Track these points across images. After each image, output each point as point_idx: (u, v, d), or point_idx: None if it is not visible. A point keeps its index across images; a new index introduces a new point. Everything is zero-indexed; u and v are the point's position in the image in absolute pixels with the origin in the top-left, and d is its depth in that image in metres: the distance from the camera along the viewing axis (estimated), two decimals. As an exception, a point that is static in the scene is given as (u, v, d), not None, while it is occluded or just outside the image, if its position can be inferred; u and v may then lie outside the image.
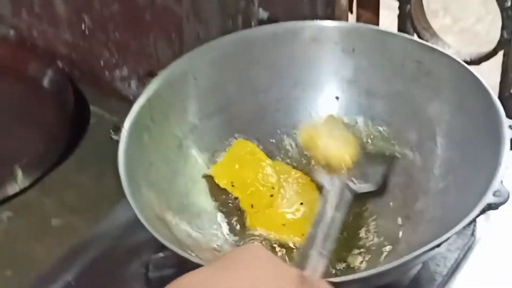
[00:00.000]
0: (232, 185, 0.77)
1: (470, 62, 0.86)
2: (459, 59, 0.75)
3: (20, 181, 1.05)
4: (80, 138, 1.10)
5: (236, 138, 0.80)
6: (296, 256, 0.64)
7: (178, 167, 0.76)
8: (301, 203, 0.75)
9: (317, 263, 0.59)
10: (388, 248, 0.72)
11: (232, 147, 0.79)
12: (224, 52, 0.80)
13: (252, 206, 0.75)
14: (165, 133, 0.76)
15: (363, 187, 0.72)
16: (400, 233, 0.73)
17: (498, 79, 0.86)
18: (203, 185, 0.77)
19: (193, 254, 0.66)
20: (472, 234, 0.75)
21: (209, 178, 0.78)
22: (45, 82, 1.14)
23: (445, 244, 0.72)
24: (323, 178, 0.71)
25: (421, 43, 0.78)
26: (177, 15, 0.97)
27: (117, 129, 0.72)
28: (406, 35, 0.79)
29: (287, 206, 0.75)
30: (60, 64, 1.15)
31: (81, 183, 1.04)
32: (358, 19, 0.98)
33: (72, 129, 1.09)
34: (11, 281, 0.93)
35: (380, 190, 0.75)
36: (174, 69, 0.77)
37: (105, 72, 1.11)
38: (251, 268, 0.49)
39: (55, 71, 1.14)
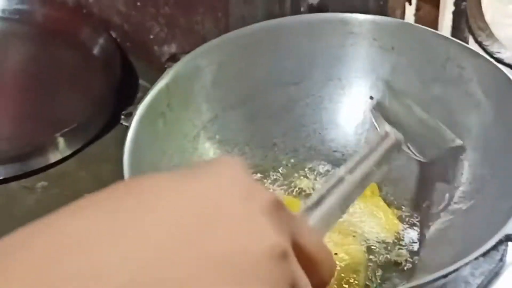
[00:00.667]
0: None
1: (526, 69, 0.80)
2: (503, 68, 0.69)
3: (62, 149, 1.04)
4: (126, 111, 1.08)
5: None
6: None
7: (194, 158, 0.73)
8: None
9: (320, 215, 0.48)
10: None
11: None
12: (254, 39, 0.76)
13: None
14: (183, 121, 0.73)
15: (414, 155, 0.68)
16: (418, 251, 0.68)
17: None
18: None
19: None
20: (501, 260, 0.70)
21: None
22: (96, 50, 1.13)
23: (467, 268, 0.68)
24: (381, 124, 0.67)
25: (465, 47, 0.72)
26: (225, -6, 0.94)
27: (129, 114, 0.69)
28: (449, 37, 0.74)
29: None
30: (113, 34, 1.13)
31: (119, 158, 1.03)
32: (417, 11, 0.92)
33: (118, 101, 1.08)
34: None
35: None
36: (198, 55, 0.74)
37: (154, 46, 1.09)
38: (221, 184, 0.37)
39: (106, 40, 1.12)
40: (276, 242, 0.35)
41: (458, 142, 0.71)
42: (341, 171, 0.55)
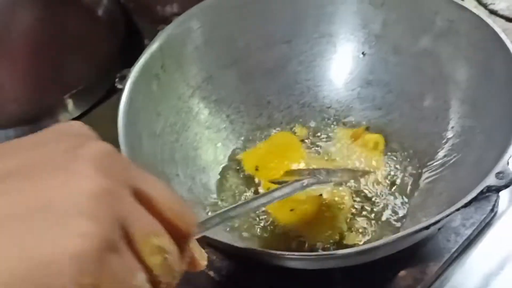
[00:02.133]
0: (256, 169, 0.74)
1: (520, 20, 0.80)
2: (491, 23, 0.69)
3: (71, 111, 1.06)
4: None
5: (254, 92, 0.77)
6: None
7: (189, 117, 0.74)
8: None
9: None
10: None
11: (271, 138, 0.77)
12: (245, 0, 0.76)
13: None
14: (177, 82, 0.74)
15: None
16: (408, 205, 0.69)
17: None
18: (213, 136, 0.75)
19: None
20: (492, 210, 0.71)
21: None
22: (100, 12, 1.14)
23: (458, 219, 0.69)
24: None
25: (454, 1, 0.72)
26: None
27: (123, 77, 0.71)
28: (438, -9, 0.73)
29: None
30: (117, -5, 1.14)
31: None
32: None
33: (124, 61, 1.09)
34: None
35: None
36: (190, 16, 0.75)
37: (157, 6, 1.09)
38: (46, 140, 0.37)
39: (110, 1, 1.13)
40: (98, 182, 0.34)
41: None
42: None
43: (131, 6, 1.13)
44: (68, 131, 0.38)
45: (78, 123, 0.40)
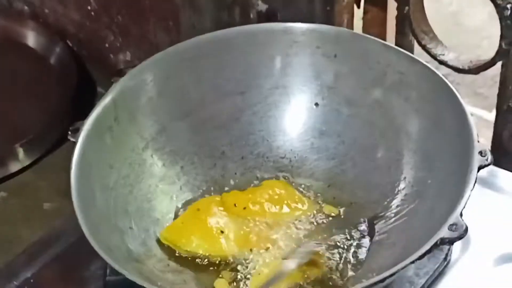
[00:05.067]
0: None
1: (468, 71, 0.81)
2: (441, 75, 0.70)
3: (21, 159, 1.05)
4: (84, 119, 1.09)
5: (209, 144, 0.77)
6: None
7: (143, 169, 0.73)
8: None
9: None
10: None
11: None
12: (199, 52, 0.76)
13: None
14: (130, 134, 0.73)
15: None
16: (363, 255, 0.69)
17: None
18: (167, 188, 0.75)
19: (137, 275, 0.62)
20: (445, 258, 0.71)
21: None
22: (52, 60, 1.14)
23: (411, 268, 0.69)
24: None
25: (405, 54, 0.73)
26: (174, 3, 0.95)
27: (76, 130, 0.70)
28: (390, 44, 0.75)
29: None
30: (69, 43, 1.14)
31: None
32: (365, 14, 0.94)
33: (77, 109, 1.08)
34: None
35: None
36: (144, 68, 0.74)
37: (110, 54, 1.10)
38: None
39: (62, 49, 1.13)
40: None
41: None
42: None
43: (84, 54, 1.14)
44: None
45: None
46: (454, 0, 1.59)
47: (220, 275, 0.69)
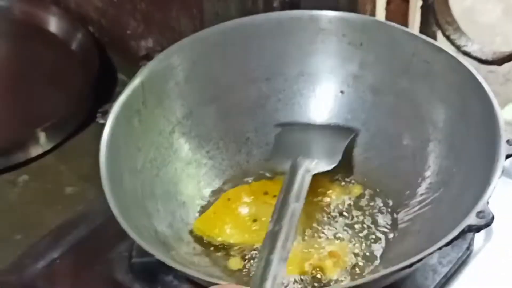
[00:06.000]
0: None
1: (492, 62, 0.82)
2: (470, 61, 0.70)
3: (42, 144, 1.05)
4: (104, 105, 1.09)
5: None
6: (256, 263, 0.61)
7: (169, 153, 0.74)
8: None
9: (278, 270, 0.57)
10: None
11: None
12: (226, 37, 0.77)
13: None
14: (158, 118, 0.74)
15: (322, 167, 0.70)
16: (385, 242, 0.70)
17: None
18: (193, 172, 0.75)
19: (166, 256, 0.63)
20: (468, 248, 0.72)
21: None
22: (74, 46, 1.13)
23: (435, 257, 0.70)
24: (283, 162, 0.69)
25: (431, 43, 0.73)
26: (199, -10, 0.95)
27: (105, 112, 0.71)
28: (416, 33, 0.75)
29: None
30: (91, 29, 1.14)
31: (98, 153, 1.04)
32: (388, 5, 0.94)
33: (97, 95, 1.09)
34: (20, 244, 0.94)
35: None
36: (171, 53, 0.75)
37: (132, 41, 1.10)
38: None
39: (84, 35, 1.12)
40: None
41: (353, 130, 0.76)
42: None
43: (105, 40, 1.14)
44: None
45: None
46: (469, -4, 1.59)
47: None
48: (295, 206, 0.64)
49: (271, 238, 0.60)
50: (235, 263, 0.70)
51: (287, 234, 0.60)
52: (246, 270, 0.69)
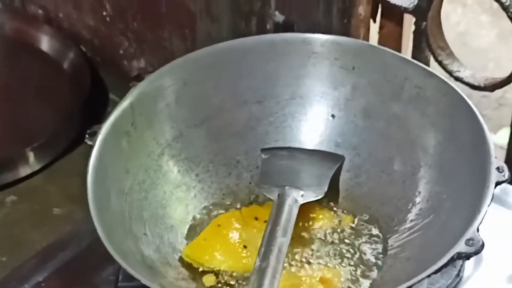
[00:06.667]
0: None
1: (484, 88, 0.82)
2: (458, 89, 0.71)
3: (31, 164, 1.05)
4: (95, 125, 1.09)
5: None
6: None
7: (158, 175, 0.74)
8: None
9: None
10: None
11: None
12: (218, 59, 0.77)
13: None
14: (147, 140, 0.74)
15: (309, 196, 0.71)
16: (376, 268, 0.70)
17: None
18: (182, 195, 0.75)
19: (152, 281, 0.62)
20: (458, 275, 0.71)
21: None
22: (66, 65, 1.14)
23: (424, 284, 0.70)
24: (271, 191, 0.70)
25: (423, 68, 0.74)
26: (191, 11, 0.95)
27: (94, 133, 0.71)
28: (408, 58, 0.75)
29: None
30: (83, 48, 1.14)
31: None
32: (381, 29, 0.94)
33: (88, 115, 1.08)
34: (6, 266, 0.94)
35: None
36: (162, 74, 0.75)
37: (124, 61, 1.10)
38: None
39: (76, 54, 1.13)
40: None
41: (340, 157, 0.76)
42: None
43: (97, 60, 1.14)
44: None
45: None
46: (462, 21, 1.60)
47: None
48: (282, 240, 0.64)
49: (259, 275, 0.60)
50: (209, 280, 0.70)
51: (274, 271, 0.61)
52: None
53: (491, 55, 1.48)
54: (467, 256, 0.60)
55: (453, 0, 1.58)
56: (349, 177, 0.76)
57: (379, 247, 0.71)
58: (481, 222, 0.61)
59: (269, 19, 0.92)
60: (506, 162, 0.82)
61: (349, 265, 0.71)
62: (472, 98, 0.71)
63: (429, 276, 0.59)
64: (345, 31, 0.88)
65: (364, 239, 0.72)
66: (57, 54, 1.14)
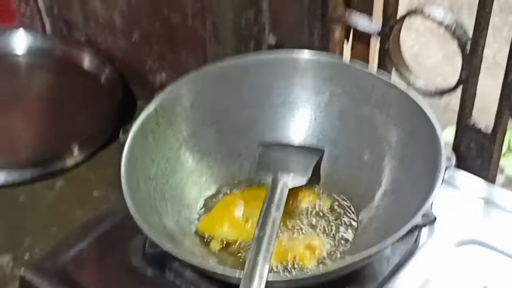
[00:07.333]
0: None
1: (434, 94, 0.81)
2: (413, 97, 0.70)
3: (76, 156, 1.04)
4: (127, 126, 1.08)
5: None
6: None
7: (177, 164, 0.73)
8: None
9: (263, 269, 0.56)
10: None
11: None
12: (223, 73, 0.76)
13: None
14: (168, 136, 0.73)
15: (297, 182, 0.69)
16: (351, 237, 0.69)
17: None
18: (196, 179, 0.74)
19: (171, 246, 0.62)
20: (415, 241, 0.71)
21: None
22: (103, 79, 1.13)
23: (388, 249, 0.69)
24: (266, 176, 0.69)
25: (386, 81, 0.73)
26: (202, 37, 0.94)
27: (126, 131, 0.70)
28: (374, 72, 0.74)
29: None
30: (116, 66, 1.14)
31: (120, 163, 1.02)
32: (353, 48, 0.93)
33: (121, 118, 1.08)
34: (55, 236, 0.93)
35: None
36: (179, 85, 0.74)
37: (149, 76, 1.09)
38: None
39: (111, 70, 1.13)
40: None
41: (321, 150, 0.75)
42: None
43: (128, 75, 1.13)
44: None
45: None
46: (416, 44, 1.60)
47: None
48: (276, 215, 0.63)
49: (257, 242, 0.59)
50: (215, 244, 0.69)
51: (269, 238, 0.60)
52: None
53: (439, 71, 1.47)
54: (422, 226, 0.59)
55: (408, 27, 1.58)
56: (328, 165, 0.75)
57: (353, 221, 0.71)
58: (433, 200, 0.61)
59: (264, 41, 0.92)
60: (452, 151, 0.82)
61: (329, 235, 0.70)
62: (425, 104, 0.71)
63: (393, 242, 0.58)
64: (324, 49, 0.87)
65: (341, 214, 0.72)
66: (96, 71, 1.14)
